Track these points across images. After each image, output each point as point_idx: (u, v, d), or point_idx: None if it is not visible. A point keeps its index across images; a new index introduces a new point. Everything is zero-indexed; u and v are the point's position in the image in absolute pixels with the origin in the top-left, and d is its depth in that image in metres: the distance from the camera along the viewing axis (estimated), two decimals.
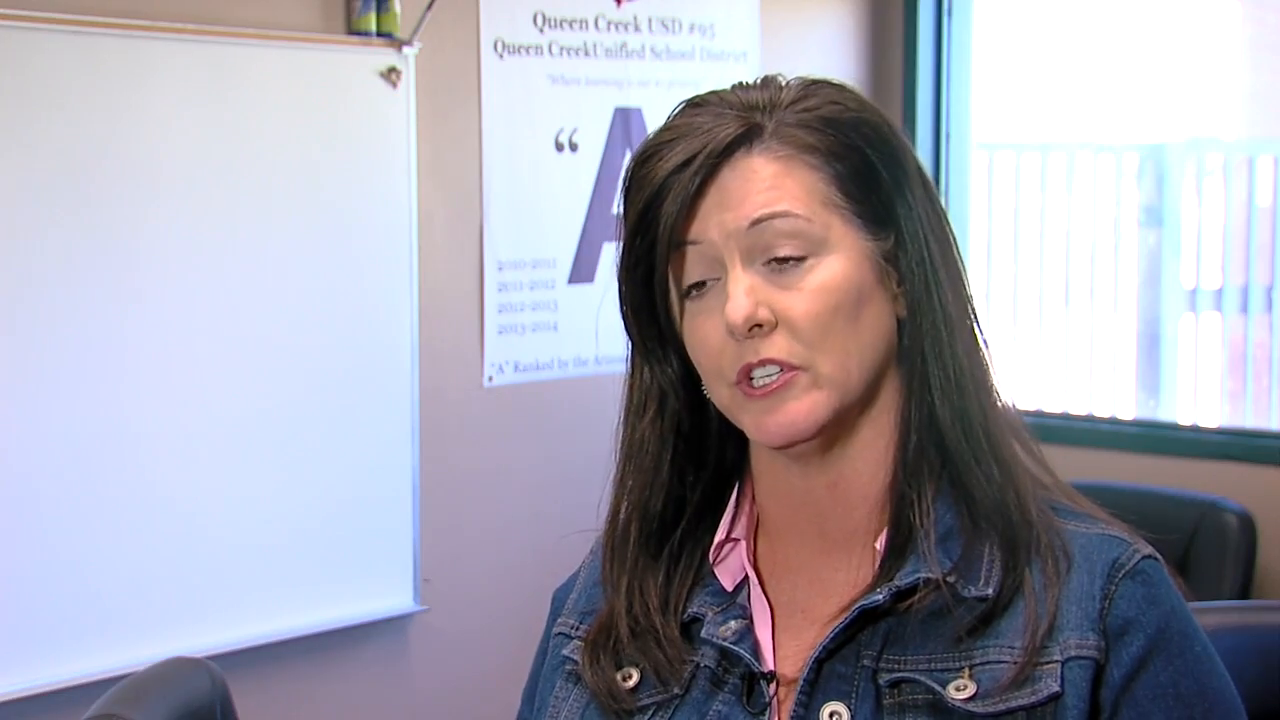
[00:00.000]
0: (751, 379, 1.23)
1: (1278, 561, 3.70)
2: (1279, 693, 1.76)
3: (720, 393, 1.26)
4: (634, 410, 1.34)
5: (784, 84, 1.28)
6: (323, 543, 3.34)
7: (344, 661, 3.45)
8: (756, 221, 1.22)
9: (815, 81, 1.28)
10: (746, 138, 1.24)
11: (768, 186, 1.23)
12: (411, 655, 3.59)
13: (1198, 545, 3.59)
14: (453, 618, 3.61)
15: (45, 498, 2.95)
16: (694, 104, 1.28)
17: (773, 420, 1.23)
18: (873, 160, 1.25)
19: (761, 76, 1.30)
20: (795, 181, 1.23)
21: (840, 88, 1.28)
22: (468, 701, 3.65)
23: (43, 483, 2.95)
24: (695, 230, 1.24)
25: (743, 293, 1.22)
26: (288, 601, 3.29)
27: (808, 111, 1.25)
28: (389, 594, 3.48)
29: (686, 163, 1.23)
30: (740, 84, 1.29)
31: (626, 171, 1.28)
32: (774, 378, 1.22)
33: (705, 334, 1.25)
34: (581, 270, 3.77)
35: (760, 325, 1.22)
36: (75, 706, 2.47)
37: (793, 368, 1.22)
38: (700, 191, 1.24)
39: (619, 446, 1.35)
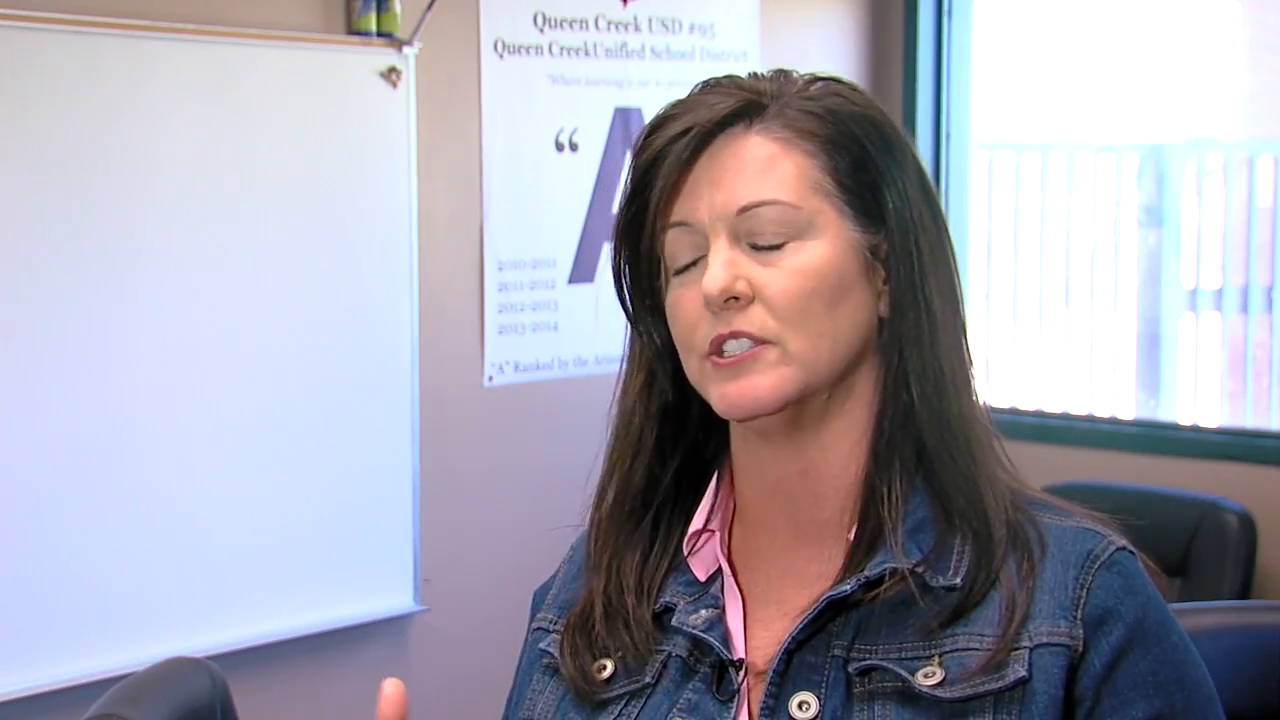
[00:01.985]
0: (721, 351, 1.24)
1: (1278, 561, 3.70)
2: (1279, 692, 1.76)
3: (691, 364, 1.28)
4: (629, 380, 1.35)
5: (795, 76, 1.30)
6: (323, 543, 3.34)
7: (344, 661, 3.46)
8: (744, 209, 1.24)
9: (826, 76, 1.31)
10: (745, 114, 1.26)
11: (760, 170, 1.25)
12: (411, 655, 3.59)
13: (1198, 545, 3.59)
14: (453, 618, 3.61)
15: (45, 498, 2.95)
16: (708, 84, 1.31)
17: (735, 390, 1.24)
18: (870, 154, 1.27)
19: (777, 68, 1.32)
20: (789, 165, 1.25)
21: (851, 86, 1.31)
22: (468, 701, 3.65)
23: (43, 483, 2.95)
24: (685, 209, 1.26)
25: (721, 264, 1.23)
26: (288, 601, 3.29)
27: (811, 99, 1.28)
28: (389, 594, 3.48)
29: (683, 133, 1.25)
30: (754, 73, 1.32)
31: (634, 142, 1.31)
32: (743, 349, 1.23)
33: (683, 305, 1.27)
34: (581, 270, 3.77)
35: (737, 298, 1.23)
36: (75, 706, 2.47)
37: (763, 341, 1.23)
38: (691, 162, 1.26)
39: (612, 420, 1.36)
